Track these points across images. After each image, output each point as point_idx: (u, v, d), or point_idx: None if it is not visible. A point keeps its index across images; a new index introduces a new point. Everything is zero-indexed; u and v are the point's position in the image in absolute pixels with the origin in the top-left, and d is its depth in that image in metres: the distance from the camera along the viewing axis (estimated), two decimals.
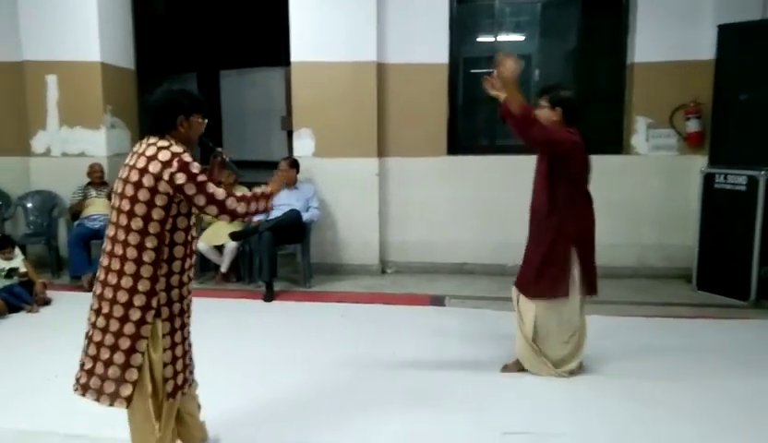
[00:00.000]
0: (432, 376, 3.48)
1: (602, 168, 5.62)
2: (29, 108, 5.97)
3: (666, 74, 5.50)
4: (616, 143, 5.82)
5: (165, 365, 2.22)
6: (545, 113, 3.26)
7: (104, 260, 2.21)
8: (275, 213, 5.38)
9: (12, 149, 6.08)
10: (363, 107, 5.72)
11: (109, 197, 5.66)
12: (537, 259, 3.33)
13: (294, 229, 5.28)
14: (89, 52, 5.81)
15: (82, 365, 2.22)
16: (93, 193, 5.70)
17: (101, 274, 2.21)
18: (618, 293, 5.18)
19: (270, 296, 5.00)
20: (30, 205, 5.99)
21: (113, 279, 2.15)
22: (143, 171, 2.10)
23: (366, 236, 5.87)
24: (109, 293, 2.15)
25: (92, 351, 2.18)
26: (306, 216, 5.41)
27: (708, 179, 5.13)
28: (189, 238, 2.26)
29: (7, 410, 3.08)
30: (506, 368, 3.51)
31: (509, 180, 5.75)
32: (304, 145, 5.83)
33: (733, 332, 4.24)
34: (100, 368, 2.16)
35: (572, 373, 3.41)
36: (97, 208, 5.63)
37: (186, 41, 8.84)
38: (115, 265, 2.15)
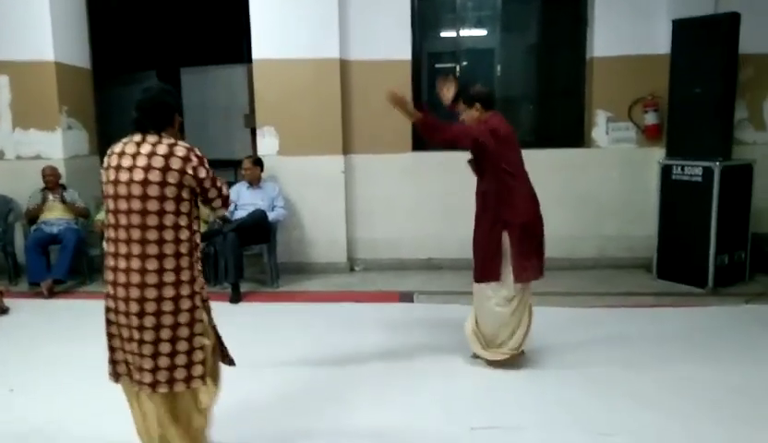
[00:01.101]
0: (402, 372, 3.50)
1: (563, 161, 5.82)
2: None
3: (624, 68, 5.62)
4: (577, 136, 5.92)
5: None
6: (468, 115, 3.43)
7: (133, 263, 2.18)
8: (240, 213, 5.32)
9: None
10: (327, 104, 5.69)
11: (63, 201, 5.49)
12: (477, 247, 3.50)
13: (259, 229, 5.23)
14: (42, 51, 5.62)
15: (140, 367, 2.21)
16: (50, 197, 5.53)
17: (128, 277, 2.18)
18: (580, 283, 5.29)
19: (236, 298, 4.94)
20: None
21: (152, 278, 2.17)
22: (165, 169, 2.17)
23: (333, 234, 5.85)
24: (152, 293, 2.17)
25: (148, 350, 2.19)
26: (271, 215, 5.36)
27: (666, 170, 5.26)
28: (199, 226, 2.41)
29: None
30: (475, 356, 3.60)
31: (473, 175, 5.80)
32: (268, 143, 5.77)
33: (692, 320, 4.36)
34: (164, 362, 2.21)
35: (512, 359, 3.46)
36: (54, 212, 5.48)
37: (144, 38, 8.65)
38: (152, 265, 2.17)
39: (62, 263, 5.26)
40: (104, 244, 2.32)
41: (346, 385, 3.35)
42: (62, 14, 5.76)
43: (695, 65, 5.06)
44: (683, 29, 5.11)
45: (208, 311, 2.43)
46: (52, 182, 5.54)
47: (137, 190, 2.16)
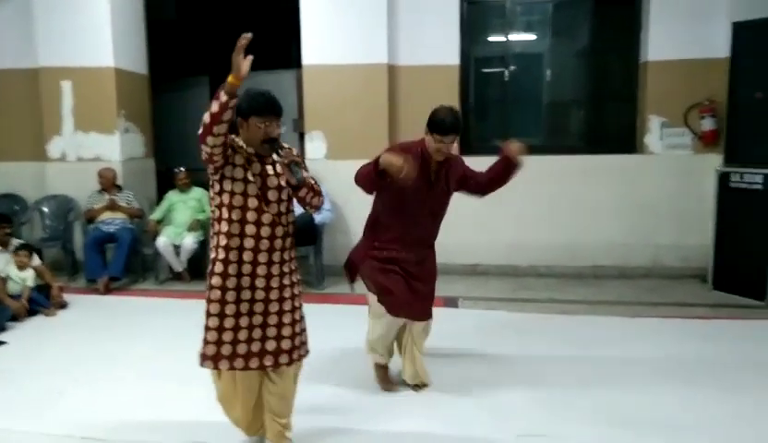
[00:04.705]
0: (447, 377, 3.47)
1: (615, 168, 5.69)
2: (44, 114, 6.04)
3: (679, 72, 5.46)
4: (629, 142, 5.78)
5: None
6: (455, 146, 3.12)
7: None
8: None
9: (28, 155, 6.15)
10: (374, 109, 5.73)
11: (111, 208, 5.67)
12: (431, 280, 3.34)
13: (306, 231, 5.28)
14: (102, 57, 5.87)
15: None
16: (107, 197, 5.74)
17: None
18: (632, 293, 5.16)
19: None
20: (46, 209, 6.06)
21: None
22: None
23: None
24: None
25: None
26: (318, 218, 5.41)
27: (723, 178, 5.08)
28: (245, 216, 2.40)
29: (28, 413, 3.11)
30: (415, 387, 3.34)
31: (520, 180, 5.71)
32: (316, 147, 5.85)
33: (749, 333, 4.19)
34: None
35: None
36: (111, 212, 5.69)
37: (197, 45, 8.89)
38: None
39: (118, 261, 5.46)
40: None
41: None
42: (122, 22, 6.00)
43: (757, 70, 4.87)
44: (744, 32, 4.93)
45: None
46: (107, 183, 5.76)
47: None
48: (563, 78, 6.23)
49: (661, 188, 5.62)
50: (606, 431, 2.85)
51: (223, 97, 2.13)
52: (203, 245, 5.60)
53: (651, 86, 5.58)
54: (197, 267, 5.73)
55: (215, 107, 2.15)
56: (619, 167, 5.69)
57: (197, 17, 8.66)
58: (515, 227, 5.77)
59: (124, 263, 5.49)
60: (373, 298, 3.22)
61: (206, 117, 2.18)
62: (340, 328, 4.36)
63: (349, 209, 5.86)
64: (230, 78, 2.15)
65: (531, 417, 2.99)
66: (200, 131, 2.21)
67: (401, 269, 3.15)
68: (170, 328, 4.38)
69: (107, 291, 5.30)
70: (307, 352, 2.59)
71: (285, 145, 2.46)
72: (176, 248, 5.60)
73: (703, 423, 2.92)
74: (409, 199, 3.06)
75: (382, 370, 3.35)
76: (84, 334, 4.31)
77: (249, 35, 2.16)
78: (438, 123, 2.98)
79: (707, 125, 5.39)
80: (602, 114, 6.09)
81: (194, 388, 2.92)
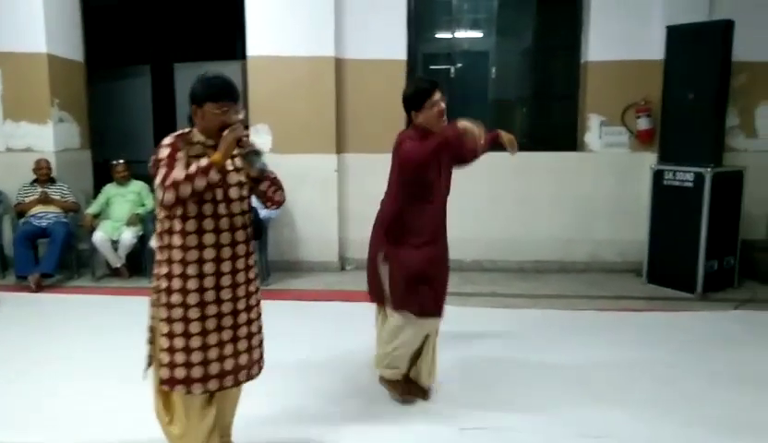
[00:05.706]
0: None
1: (557, 164, 5.84)
2: None
3: (618, 72, 5.64)
4: (570, 140, 5.94)
5: None
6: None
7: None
8: None
9: None
10: (321, 103, 5.67)
11: (43, 200, 5.42)
12: (446, 272, 3.12)
13: None
14: (34, 42, 5.58)
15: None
16: (39, 190, 5.48)
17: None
18: (571, 286, 5.32)
19: None
20: None
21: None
22: None
23: (325, 233, 5.83)
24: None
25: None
26: (263, 213, 5.32)
27: (658, 175, 5.28)
28: (209, 226, 2.16)
29: None
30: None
31: (464, 175, 5.79)
32: (261, 141, 5.74)
33: (680, 325, 4.37)
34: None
35: None
36: (44, 205, 5.43)
37: (138, 32, 8.59)
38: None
39: (50, 257, 5.22)
40: None
41: (334, 385, 3.34)
42: (55, 5, 5.72)
43: (689, 72, 5.08)
44: (677, 36, 5.13)
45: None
46: (45, 175, 5.51)
47: None
48: (508, 77, 6.35)
49: (600, 185, 5.80)
50: (546, 422, 2.92)
51: (213, 174, 2.02)
52: (142, 240, 5.43)
53: (591, 85, 5.75)
54: (136, 262, 5.55)
55: (193, 170, 2.00)
56: (561, 164, 5.85)
57: (138, 3, 8.35)
58: (460, 222, 5.75)
59: (57, 259, 5.25)
60: (403, 317, 2.97)
61: (178, 175, 2.00)
62: (286, 324, 4.32)
63: (294, 204, 5.79)
64: (217, 157, 2.03)
65: (473, 411, 3.02)
66: (168, 180, 1.99)
67: (441, 268, 3.03)
68: (107, 325, 4.22)
69: (39, 288, 5.06)
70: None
71: (246, 133, 2.24)
72: (114, 243, 5.40)
73: (640, 408, 3.03)
74: (430, 188, 2.95)
75: (401, 384, 3.16)
76: (13, 333, 4.10)
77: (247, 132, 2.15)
78: (424, 89, 2.92)
79: (643, 124, 5.60)
80: (544, 113, 6.24)
81: (132, 388, 2.81)
